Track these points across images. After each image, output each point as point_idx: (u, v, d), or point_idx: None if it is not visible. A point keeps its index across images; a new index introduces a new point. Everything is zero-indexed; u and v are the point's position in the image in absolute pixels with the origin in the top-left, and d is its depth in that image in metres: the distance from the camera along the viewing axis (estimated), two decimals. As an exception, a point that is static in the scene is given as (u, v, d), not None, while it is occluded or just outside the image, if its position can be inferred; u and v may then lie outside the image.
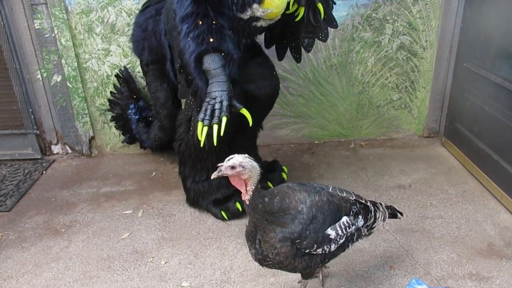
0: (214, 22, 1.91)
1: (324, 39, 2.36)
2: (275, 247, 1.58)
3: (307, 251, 1.61)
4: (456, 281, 1.98)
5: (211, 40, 1.90)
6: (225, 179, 2.51)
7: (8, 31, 2.94)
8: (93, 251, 2.30)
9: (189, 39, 1.92)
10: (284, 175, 2.79)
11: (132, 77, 3.08)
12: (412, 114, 3.33)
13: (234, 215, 2.46)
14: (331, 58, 3.13)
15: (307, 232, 1.58)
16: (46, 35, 2.99)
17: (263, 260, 1.67)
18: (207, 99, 1.93)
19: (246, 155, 1.50)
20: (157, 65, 2.62)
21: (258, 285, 2.01)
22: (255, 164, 1.49)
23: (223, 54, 1.93)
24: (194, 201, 2.56)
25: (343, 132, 3.38)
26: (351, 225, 1.71)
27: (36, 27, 2.96)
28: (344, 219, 1.69)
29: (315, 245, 1.61)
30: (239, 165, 1.46)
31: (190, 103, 2.31)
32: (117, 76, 3.06)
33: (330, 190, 1.74)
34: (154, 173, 3.06)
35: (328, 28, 2.31)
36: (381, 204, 1.90)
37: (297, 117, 3.31)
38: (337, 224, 1.66)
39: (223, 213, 2.46)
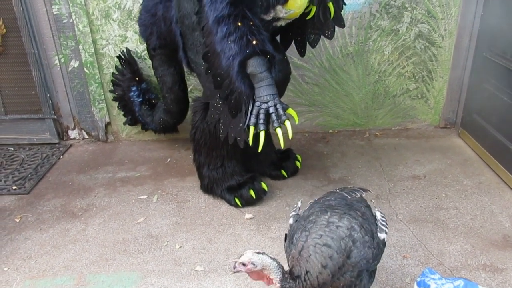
0: (252, 23, 1.87)
1: (330, 37, 2.37)
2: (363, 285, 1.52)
3: (376, 264, 1.58)
4: (470, 272, 1.98)
5: (255, 42, 1.85)
6: (239, 166, 2.56)
7: (27, 16, 2.97)
8: (109, 234, 2.34)
9: (229, 42, 1.85)
10: (298, 164, 2.79)
11: (135, 59, 3.05)
12: (429, 104, 3.29)
13: (248, 202, 2.48)
14: (347, 47, 3.10)
15: (374, 249, 1.54)
16: (64, 21, 3.01)
17: None
18: (258, 103, 1.91)
19: (257, 250, 1.51)
20: (165, 49, 2.61)
21: (270, 271, 2.03)
22: (265, 258, 1.49)
23: (268, 56, 1.88)
24: (208, 187, 2.58)
25: (358, 121, 3.36)
26: (384, 216, 1.70)
27: (54, 13, 2.99)
28: (378, 214, 1.68)
29: (380, 255, 1.59)
30: (249, 263, 1.48)
31: (218, 106, 2.25)
32: (118, 57, 3.05)
33: (346, 194, 1.70)
34: (168, 160, 3.09)
35: (335, 26, 2.32)
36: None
37: (312, 105, 3.30)
38: (378, 223, 1.64)
39: (237, 200, 2.48)
